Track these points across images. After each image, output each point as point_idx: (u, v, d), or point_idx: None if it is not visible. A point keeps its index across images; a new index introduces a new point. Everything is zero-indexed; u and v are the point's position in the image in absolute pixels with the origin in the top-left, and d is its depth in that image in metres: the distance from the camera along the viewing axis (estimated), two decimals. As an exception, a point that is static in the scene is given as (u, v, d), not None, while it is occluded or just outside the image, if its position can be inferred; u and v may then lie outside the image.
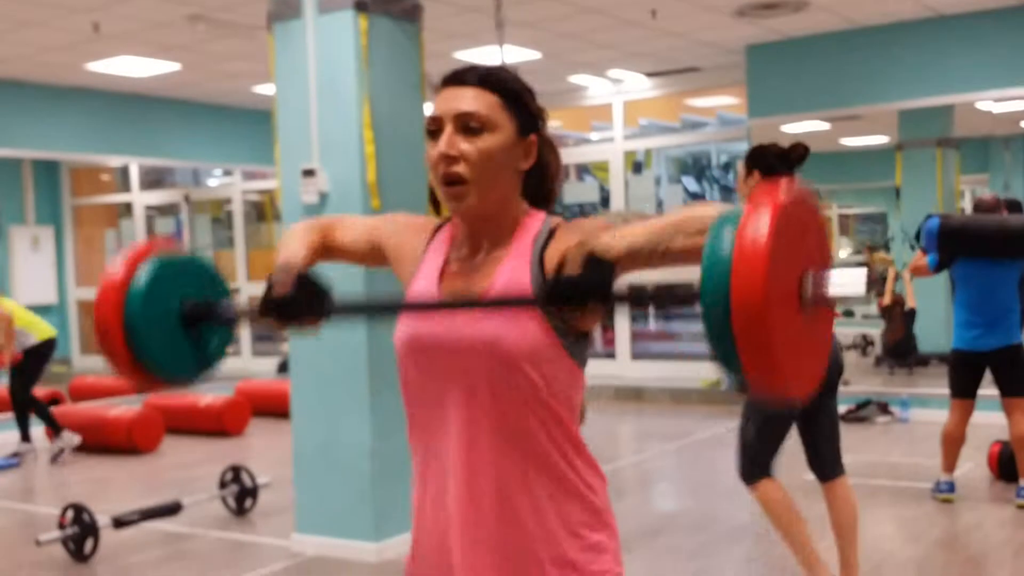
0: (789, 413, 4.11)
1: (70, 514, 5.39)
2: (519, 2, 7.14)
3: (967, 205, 10.46)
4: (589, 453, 1.71)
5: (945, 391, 5.98)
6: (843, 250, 12.96)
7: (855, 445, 7.64)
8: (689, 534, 5.43)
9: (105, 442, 8.55)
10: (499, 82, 1.68)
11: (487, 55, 8.82)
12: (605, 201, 11.73)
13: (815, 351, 1.45)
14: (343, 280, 1.82)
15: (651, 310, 15.93)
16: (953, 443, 5.87)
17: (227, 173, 13.36)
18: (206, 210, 13.70)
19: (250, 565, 5.30)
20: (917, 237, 5.68)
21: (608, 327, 11.22)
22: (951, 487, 5.93)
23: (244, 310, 1.83)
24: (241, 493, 6.29)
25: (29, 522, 6.44)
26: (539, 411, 1.63)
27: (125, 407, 8.85)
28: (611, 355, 11.13)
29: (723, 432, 8.05)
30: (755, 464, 4.12)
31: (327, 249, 1.90)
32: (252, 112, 11.20)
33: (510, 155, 1.67)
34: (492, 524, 1.64)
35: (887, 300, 9.96)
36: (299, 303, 1.68)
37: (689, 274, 1.42)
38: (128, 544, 5.71)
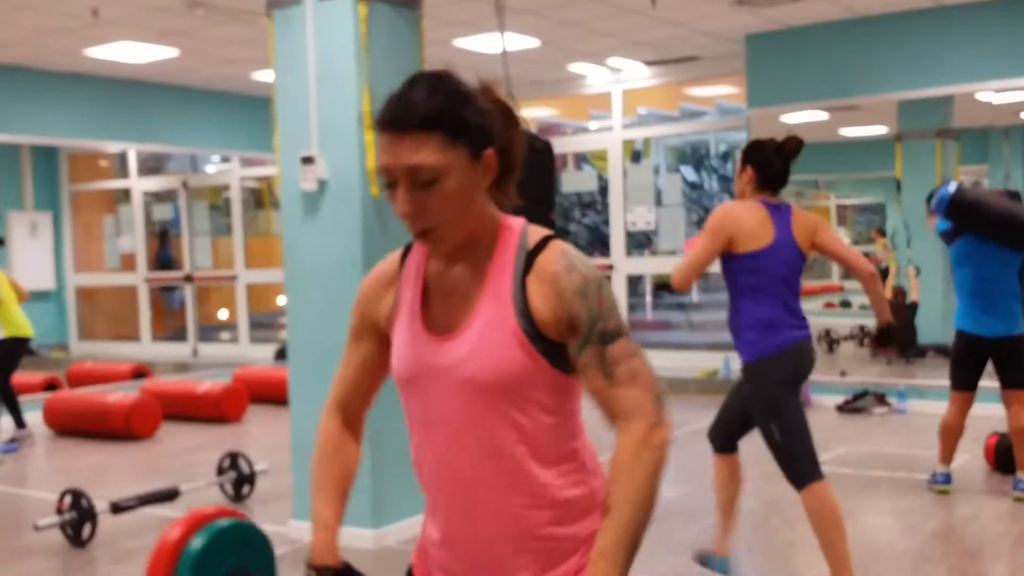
0: (796, 403, 4.07)
1: (68, 499, 5.40)
2: (519, -10, 7.12)
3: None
4: (586, 458, 1.76)
5: (943, 382, 5.99)
6: (841, 240, 12.95)
7: (852, 436, 7.65)
8: (686, 521, 5.44)
9: (103, 428, 8.56)
10: (438, 117, 1.59)
11: (487, 42, 8.80)
12: (604, 190, 11.72)
13: None
14: (342, 281, 1.82)
15: (648, 300, 15.94)
16: (951, 435, 5.87)
17: (225, 160, 13.33)
18: (204, 197, 13.68)
19: (247, 552, 5.30)
20: (929, 200, 5.68)
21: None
22: (948, 479, 5.94)
23: None
24: (239, 479, 6.29)
25: (27, 507, 6.45)
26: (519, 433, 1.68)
27: (123, 393, 8.84)
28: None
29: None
30: (797, 463, 3.99)
31: (357, 433, 1.93)
32: (251, 99, 11.18)
33: (470, 185, 1.63)
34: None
35: (888, 294, 9.95)
36: None
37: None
38: (126, 529, 5.72)
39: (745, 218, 4.08)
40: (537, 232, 1.70)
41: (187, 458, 7.66)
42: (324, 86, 5.24)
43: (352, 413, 1.92)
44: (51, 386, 10.11)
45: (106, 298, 14.22)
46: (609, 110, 10.82)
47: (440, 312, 1.71)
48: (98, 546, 5.42)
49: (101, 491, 6.00)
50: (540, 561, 1.70)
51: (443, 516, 1.76)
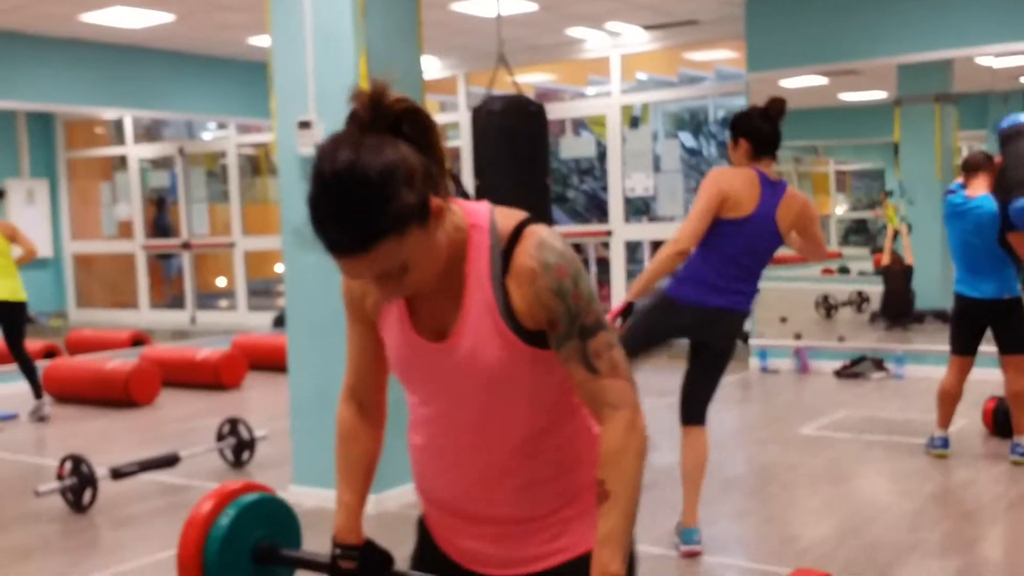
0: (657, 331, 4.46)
1: (68, 465, 5.42)
2: (517, -47, 7.06)
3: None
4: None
5: (941, 347, 6.00)
6: (840, 207, 12.93)
7: (849, 400, 7.67)
8: (674, 489, 5.46)
9: (102, 395, 8.57)
10: (381, 230, 1.52)
11: (484, 5, 8.73)
12: (602, 156, 11.69)
13: None
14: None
15: (645, 266, 15.93)
16: (950, 399, 5.89)
17: (222, 126, 13.27)
18: (201, 163, 13.63)
19: (248, 517, 5.33)
20: (1008, 219, 5.51)
21: (603, 282, 11.23)
22: (945, 443, 5.96)
23: (312, 560, 2.02)
24: (238, 446, 6.31)
25: (28, 473, 6.47)
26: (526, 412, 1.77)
27: (122, 360, 8.85)
28: (606, 309, 11.14)
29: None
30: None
31: (372, 417, 2.02)
32: (247, 64, 11.11)
33: (432, 243, 1.60)
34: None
35: (887, 260, 9.94)
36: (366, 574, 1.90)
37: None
38: (126, 495, 5.74)
39: (736, 183, 4.14)
40: (506, 221, 1.70)
41: (186, 424, 7.68)
42: (321, 50, 5.20)
43: (365, 399, 1.98)
44: (50, 353, 10.11)
45: (104, 265, 14.21)
46: (607, 75, 10.77)
47: (427, 317, 1.75)
48: (98, 511, 5.44)
49: (101, 457, 6.02)
50: (525, 506, 1.82)
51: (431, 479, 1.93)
